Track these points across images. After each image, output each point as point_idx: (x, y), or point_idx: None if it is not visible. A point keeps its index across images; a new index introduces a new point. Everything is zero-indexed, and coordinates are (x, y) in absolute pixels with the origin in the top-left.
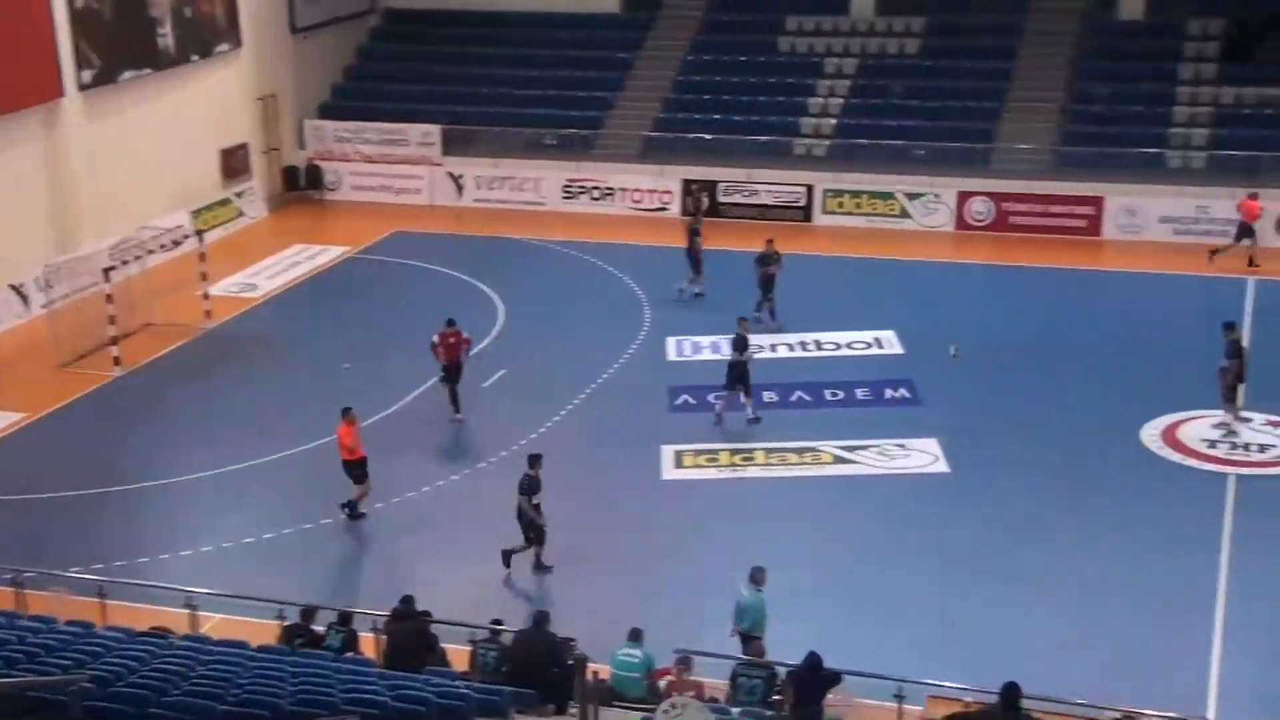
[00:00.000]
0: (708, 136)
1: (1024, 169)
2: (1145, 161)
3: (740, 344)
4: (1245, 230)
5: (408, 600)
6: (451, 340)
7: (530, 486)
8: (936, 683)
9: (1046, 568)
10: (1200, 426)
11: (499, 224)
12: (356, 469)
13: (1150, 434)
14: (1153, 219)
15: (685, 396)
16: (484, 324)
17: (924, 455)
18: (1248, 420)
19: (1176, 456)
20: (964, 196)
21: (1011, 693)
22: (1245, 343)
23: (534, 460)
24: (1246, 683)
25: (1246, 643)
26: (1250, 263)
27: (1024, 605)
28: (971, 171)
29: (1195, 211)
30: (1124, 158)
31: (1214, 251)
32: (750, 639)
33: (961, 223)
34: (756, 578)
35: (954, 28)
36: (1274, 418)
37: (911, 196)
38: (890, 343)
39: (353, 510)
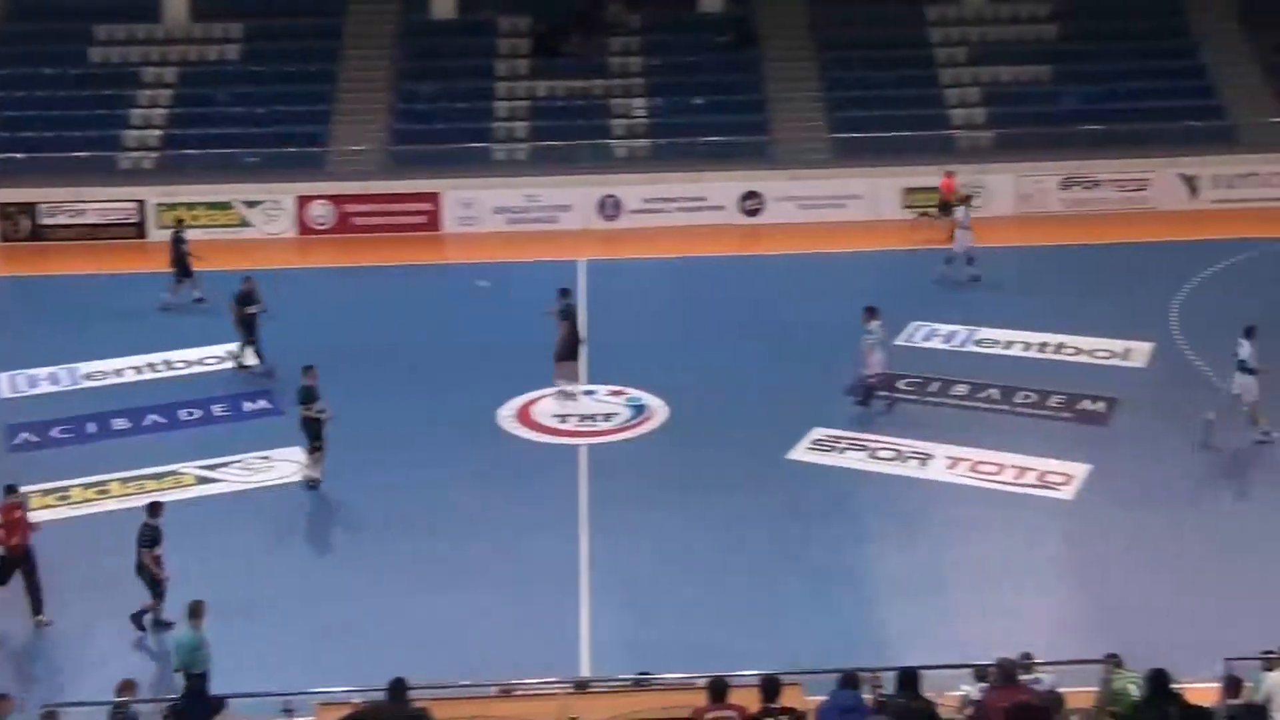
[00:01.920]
0: (20, 156)
1: (361, 170)
2: (474, 156)
3: (305, 396)
4: (945, 207)
5: None
6: (17, 515)
7: (152, 538)
8: (326, 690)
9: (420, 557)
10: (551, 403)
11: None
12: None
13: (506, 415)
14: (488, 210)
15: (26, 435)
16: None
17: (290, 465)
18: (591, 392)
19: (532, 434)
20: (303, 201)
21: (398, 686)
22: (582, 319)
23: (154, 509)
24: (616, 637)
25: (611, 599)
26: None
27: (402, 599)
28: (309, 175)
29: (525, 201)
30: (454, 153)
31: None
32: (190, 677)
33: (304, 228)
34: (192, 612)
35: (273, 31)
36: (615, 388)
37: (250, 204)
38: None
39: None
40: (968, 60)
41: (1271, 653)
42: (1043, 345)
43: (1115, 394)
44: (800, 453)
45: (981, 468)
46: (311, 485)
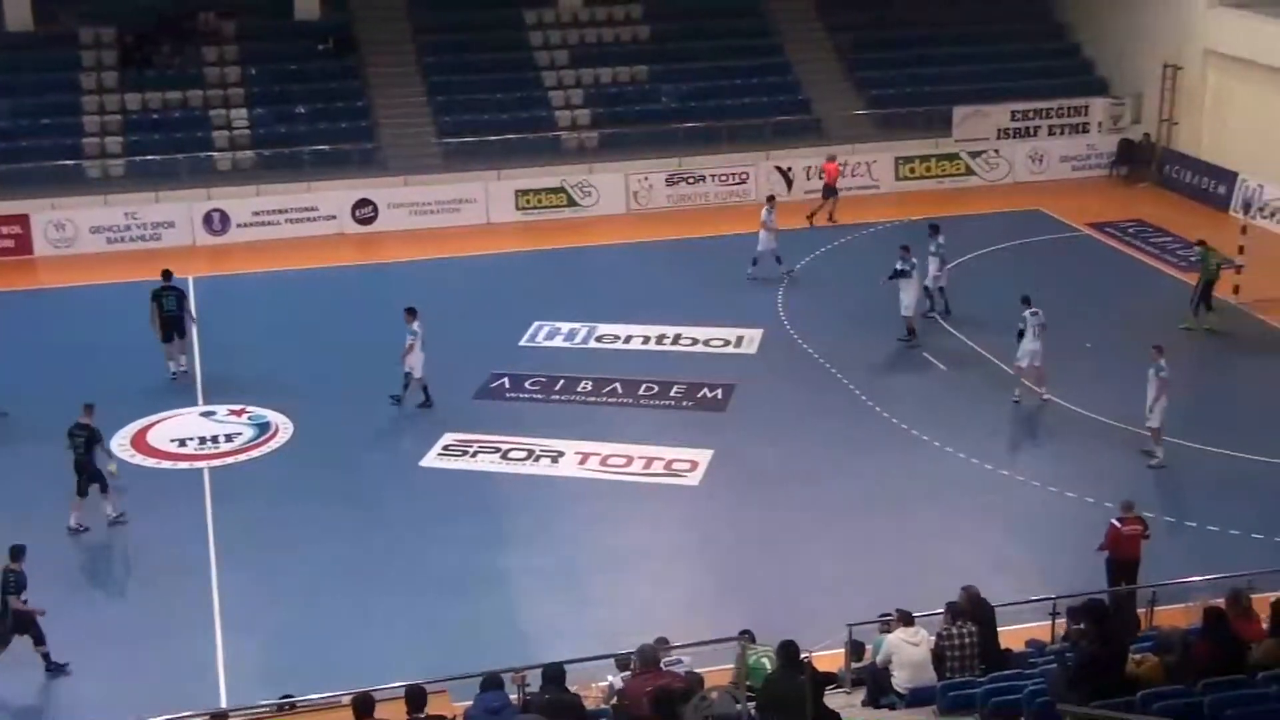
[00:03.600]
0: None
1: None
2: (65, 174)
3: (90, 438)
4: (829, 190)
5: None
6: None
7: (18, 584)
8: None
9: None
10: (169, 427)
11: None
12: None
13: (121, 443)
14: (84, 230)
15: None
16: None
17: None
18: (211, 413)
19: (150, 461)
20: None
21: None
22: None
23: (16, 553)
24: (254, 662)
25: (244, 624)
26: (830, 219)
27: (28, 646)
28: None
29: (124, 219)
30: (42, 172)
31: (810, 215)
32: None
33: None
34: None
35: None
36: (235, 407)
37: None
38: None
39: None
40: (569, 62)
41: (888, 615)
42: (660, 338)
43: (732, 380)
44: (432, 459)
45: (611, 461)
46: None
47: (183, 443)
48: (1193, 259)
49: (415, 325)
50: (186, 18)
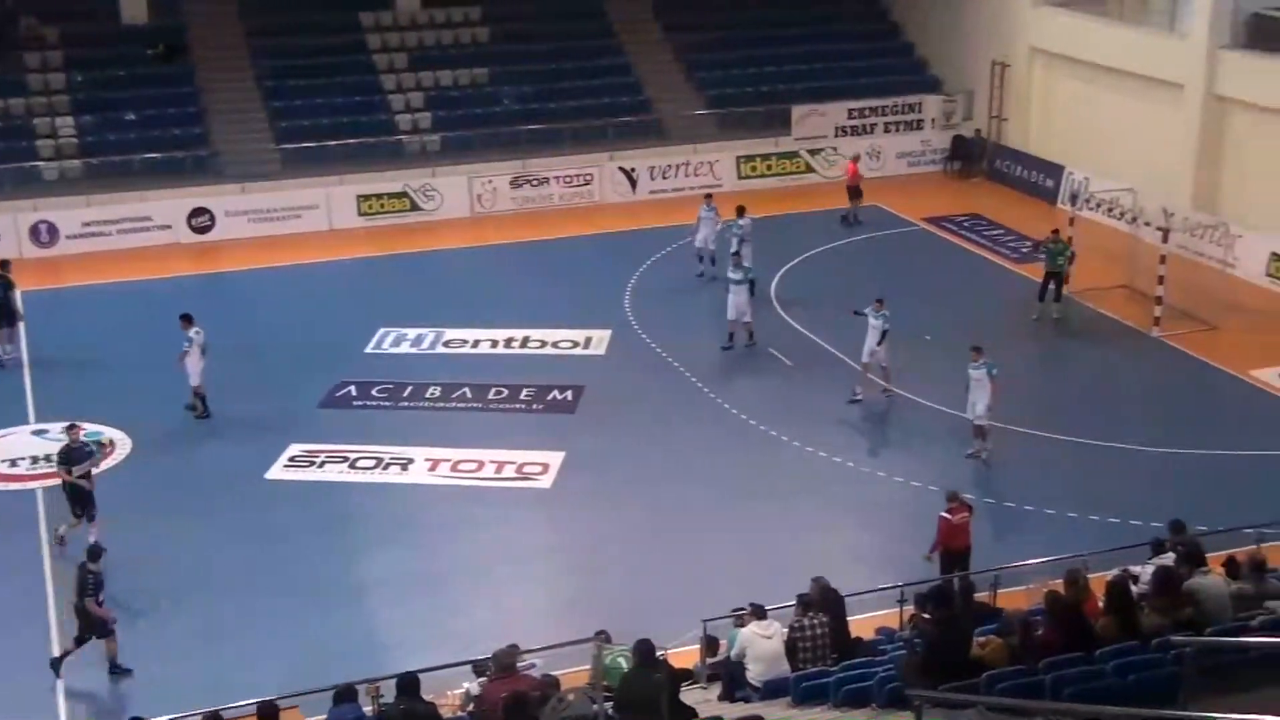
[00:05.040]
0: None
1: None
2: None
3: (76, 455)
4: (854, 192)
5: None
6: None
7: (96, 584)
8: None
9: None
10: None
11: None
12: None
13: None
14: None
15: None
16: None
17: None
18: (43, 432)
19: None
20: None
21: None
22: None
23: (95, 553)
24: (94, 686)
25: (85, 647)
26: (852, 218)
27: None
28: None
29: None
30: None
31: (844, 217)
32: None
33: None
34: None
35: None
36: (69, 424)
37: None
38: None
39: None
40: (408, 65)
41: (741, 610)
42: (509, 341)
43: (581, 382)
44: (278, 471)
45: (462, 466)
46: (62, 543)
47: (14, 463)
48: (1040, 254)
49: (192, 332)
50: (7, 23)
